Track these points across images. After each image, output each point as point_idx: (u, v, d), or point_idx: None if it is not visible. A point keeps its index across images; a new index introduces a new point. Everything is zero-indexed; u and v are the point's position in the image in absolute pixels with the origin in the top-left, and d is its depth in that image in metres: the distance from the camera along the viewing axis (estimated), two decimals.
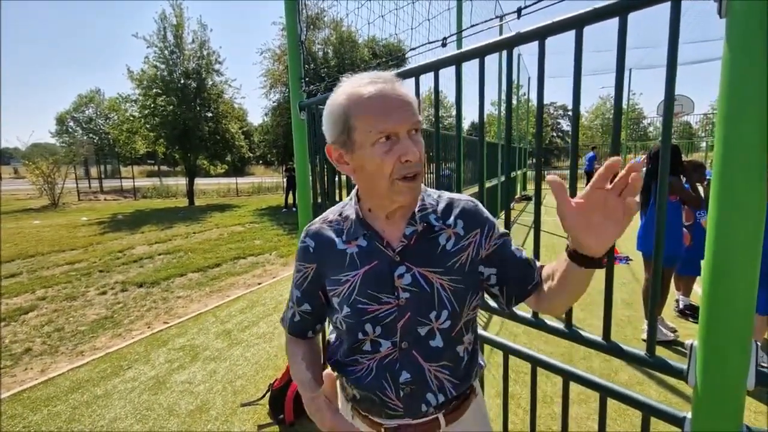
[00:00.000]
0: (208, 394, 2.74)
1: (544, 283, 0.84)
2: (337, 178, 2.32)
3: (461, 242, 0.85)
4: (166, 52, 14.11)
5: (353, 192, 0.92)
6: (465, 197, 0.92)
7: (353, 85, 0.77)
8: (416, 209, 0.85)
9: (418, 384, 0.84)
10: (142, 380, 2.94)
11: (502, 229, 0.91)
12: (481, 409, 0.97)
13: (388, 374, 0.84)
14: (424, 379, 0.84)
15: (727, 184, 0.75)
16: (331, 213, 0.94)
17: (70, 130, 29.99)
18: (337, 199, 2.22)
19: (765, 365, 2.54)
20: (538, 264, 0.90)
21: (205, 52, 14.72)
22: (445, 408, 0.88)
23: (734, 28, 0.72)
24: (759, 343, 0.95)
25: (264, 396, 2.61)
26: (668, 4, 0.86)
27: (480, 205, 0.91)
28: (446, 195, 0.92)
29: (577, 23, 0.98)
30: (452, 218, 0.87)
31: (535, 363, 1.24)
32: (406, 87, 0.79)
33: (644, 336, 3.16)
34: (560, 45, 1.85)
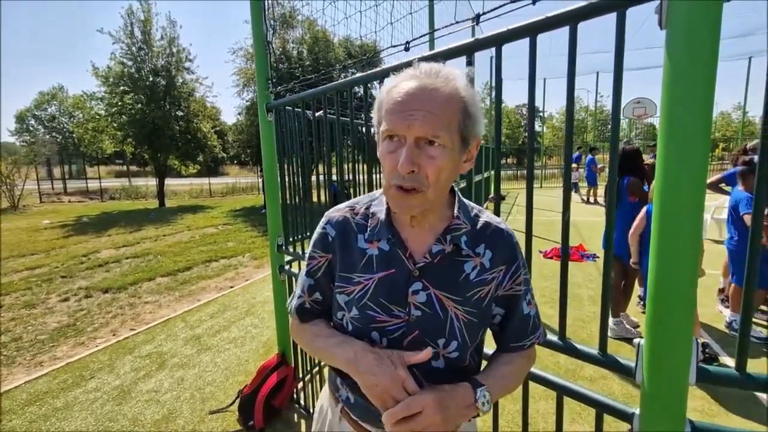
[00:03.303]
0: (175, 402, 2.67)
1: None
2: (306, 180, 2.29)
3: (485, 275, 0.80)
4: (133, 48, 13.65)
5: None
6: (503, 225, 0.85)
7: (404, 75, 0.72)
8: (450, 225, 0.79)
9: None
10: (106, 390, 2.83)
11: (526, 273, 0.86)
12: (472, 426, 0.92)
13: None
14: None
15: (669, 189, 0.78)
16: (358, 204, 0.87)
17: (31, 128, 28.60)
18: (315, 199, 2.18)
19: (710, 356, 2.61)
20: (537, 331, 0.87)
21: (174, 50, 14.33)
22: None
23: (673, 39, 0.75)
24: (699, 341, 0.99)
25: (233, 402, 2.56)
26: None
27: (515, 239, 0.85)
28: (485, 216, 0.85)
29: (531, 31, 1.00)
30: (482, 246, 0.81)
31: None
32: (463, 92, 0.70)
33: (610, 335, 3.27)
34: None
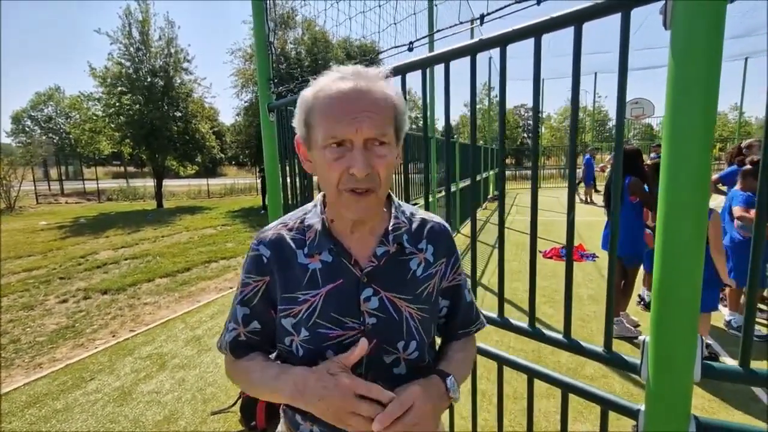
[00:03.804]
0: (176, 403, 2.66)
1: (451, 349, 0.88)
2: (307, 181, 2.30)
3: (429, 269, 0.81)
4: (131, 49, 13.61)
5: (318, 197, 0.83)
6: (437, 219, 0.87)
7: (328, 79, 0.70)
8: (390, 226, 0.79)
9: None
10: (106, 392, 2.82)
11: (461, 264, 0.89)
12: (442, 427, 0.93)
13: None
14: None
15: (673, 189, 0.79)
16: (290, 219, 0.83)
17: (28, 129, 28.48)
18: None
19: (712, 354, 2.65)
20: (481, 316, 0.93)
21: (172, 50, 14.29)
22: None
23: (678, 40, 0.76)
24: (704, 338, 1.00)
25: (235, 403, 2.56)
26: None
27: (450, 231, 0.87)
28: (420, 214, 0.86)
29: (536, 31, 1.01)
30: (423, 242, 0.82)
31: (501, 362, 1.27)
32: (390, 90, 0.71)
33: None
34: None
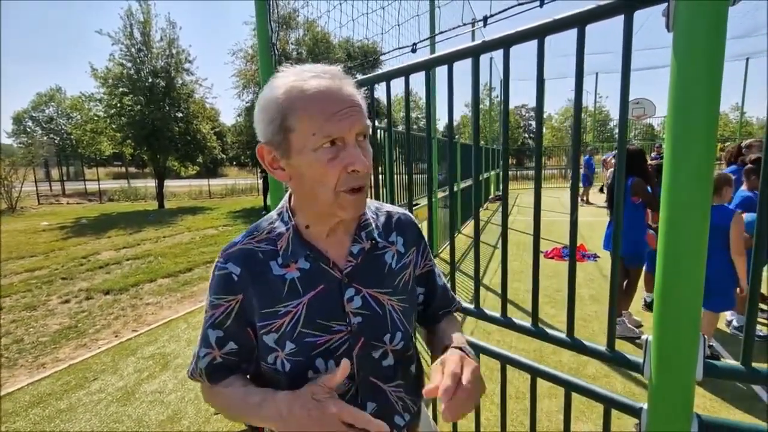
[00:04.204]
0: (179, 403, 2.67)
1: (439, 329, 0.90)
2: None
3: (403, 260, 0.83)
4: (132, 49, 13.65)
5: (282, 205, 0.80)
6: (401, 210, 0.89)
7: (294, 79, 0.65)
8: (361, 222, 0.79)
9: (385, 410, 0.78)
10: (110, 391, 2.83)
11: (430, 251, 0.92)
12: (428, 419, 0.97)
13: None
14: (389, 403, 0.79)
15: (676, 190, 0.79)
16: (257, 230, 0.78)
17: (29, 130, 28.55)
18: None
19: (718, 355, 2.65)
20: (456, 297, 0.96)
21: (174, 51, 14.34)
22: (408, 427, 0.83)
23: (680, 41, 0.76)
24: (707, 337, 1.01)
25: None
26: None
27: (416, 220, 0.89)
28: (384, 207, 0.87)
29: (540, 33, 1.02)
30: (393, 234, 0.83)
31: (505, 361, 1.28)
32: (353, 86, 0.69)
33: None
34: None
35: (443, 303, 0.93)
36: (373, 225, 0.81)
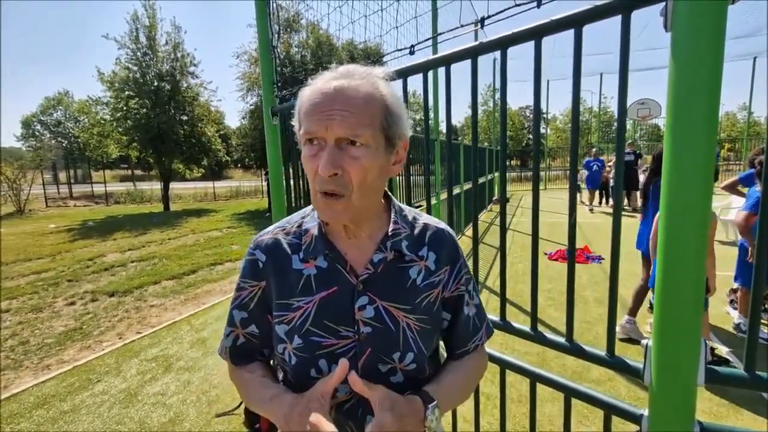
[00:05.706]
0: (181, 405, 2.68)
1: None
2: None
3: (431, 278, 0.77)
4: (138, 53, 13.79)
5: None
6: (441, 225, 0.82)
7: (319, 79, 0.68)
8: (389, 231, 0.75)
9: None
10: (113, 393, 2.84)
11: (468, 273, 0.83)
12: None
13: (351, 422, 0.73)
14: None
15: (676, 191, 0.78)
16: (289, 223, 0.81)
17: (37, 133, 28.90)
18: None
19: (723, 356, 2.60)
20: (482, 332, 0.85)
21: (179, 54, 14.47)
22: None
23: (678, 42, 0.75)
24: (708, 341, 0.99)
25: (239, 405, 2.56)
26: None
27: (455, 237, 0.83)
28: (422, 219, 0.82)
29: (536, 34, 1.01)
30: (425, 249, 0.78)
31: (504, 366, 1.26)
32: (379, 90, 0.67)
33: (619, 333, 3.25)
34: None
35: (460, 339, 0.83)
36: (403, 235, 0.76)
